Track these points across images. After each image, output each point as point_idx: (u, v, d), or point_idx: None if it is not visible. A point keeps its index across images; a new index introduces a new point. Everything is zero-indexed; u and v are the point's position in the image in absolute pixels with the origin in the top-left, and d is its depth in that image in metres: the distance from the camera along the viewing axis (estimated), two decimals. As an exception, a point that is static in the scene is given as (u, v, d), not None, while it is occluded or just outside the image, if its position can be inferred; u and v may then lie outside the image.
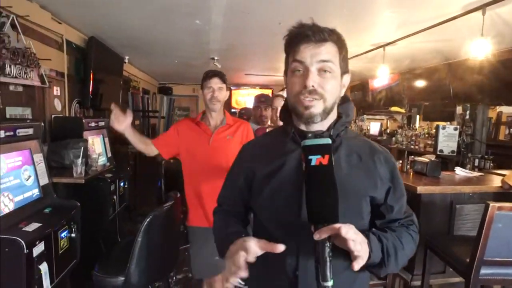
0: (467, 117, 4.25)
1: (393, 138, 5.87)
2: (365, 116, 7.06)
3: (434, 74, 4.86)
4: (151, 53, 4.67)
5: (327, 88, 0.81)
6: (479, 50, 2.60)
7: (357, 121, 7.01)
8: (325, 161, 0.67)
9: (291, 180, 0.83)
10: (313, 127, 0.86)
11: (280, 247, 0.70)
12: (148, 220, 1.60)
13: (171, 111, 4.35)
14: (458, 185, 2.59)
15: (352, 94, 7.24)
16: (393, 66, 4.84)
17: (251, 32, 3.50)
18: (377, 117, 6.98)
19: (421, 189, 2.39)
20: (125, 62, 4.72)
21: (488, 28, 2.63)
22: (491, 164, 3.87)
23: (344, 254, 0.78)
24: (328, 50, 0.81)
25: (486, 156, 3.95)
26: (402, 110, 5.92)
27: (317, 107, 0.81)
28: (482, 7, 2.47)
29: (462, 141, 4.13)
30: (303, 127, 0.87)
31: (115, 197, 2.79)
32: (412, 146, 5.26)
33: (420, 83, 5.27)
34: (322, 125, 0.86)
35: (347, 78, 0.89)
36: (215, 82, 1.86)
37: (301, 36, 0.82)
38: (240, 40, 3.89)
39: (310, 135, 0.82)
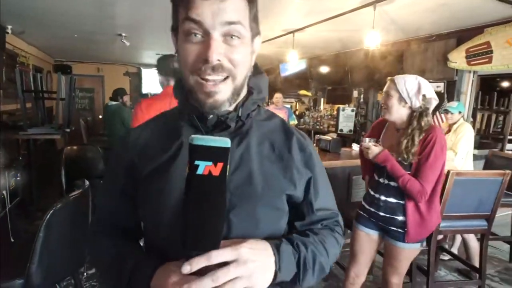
0: (362, 100, 4.89)
1: (301, 120, 6.37)
2: (277, 99, 7.46)
3: (336, 61, 5.40)
4: (43, 24, 4.03)
5: (236, 61, 0.60)
6: (370, 41, 2.98)
7: (269, 103, 7.37)
8: (216, 171, 0.49)
9: (183, 178, 0.55)
10: None
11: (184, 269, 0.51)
12: (51, 212, 1.44)
13: (73, 92, 3.87)
14: (354, 159, 3.00)
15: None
16: (302, 52, 5.19)
17: (163, 8, 3.31)
18: (287, 100, 7.45)
19: (325, 163, 2.70)
20: (8, 33, 3.98)
21: (378, 22, 3.02)
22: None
23: None
24: (236, 6, 0.59)
25: (376, 134, 4.61)
26: (309, 94, 6.43)
27: (224, 92, 0.61)
28: (373, 3, 2.82)
29: (357, 121, 4.74)
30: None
31: (4, 192, 2.42)
32: (318, 127, 5.81)
33: (325, 69, 5.80)
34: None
35: (258, 41, 0.67)
36: None
37: None
38: (150, 16, 3.65)
39: (211, 116, 0.64)
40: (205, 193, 0.50)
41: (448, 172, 2.14)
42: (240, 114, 0.67)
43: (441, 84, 3.78)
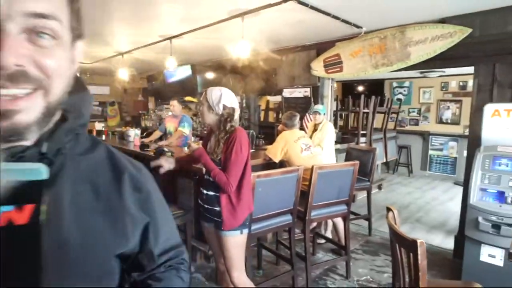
0: (244, 105, 5.17)
1: (191, 126, 6.33)
2: (164, 106, 7.22)
3: (219, 67, 5.55)
4: None
5: (49, 68, 0.43)
6: (240, 50, 3.16)
7: (156, 111, 7.08)
8: (22, 218, 0.33)
9: None
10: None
11: None
12: None
13: None
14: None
15: (149, 84, 7.20)
16: (183, 58, 5.15)
17: None
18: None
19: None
20: None
21: (248, 33, 3.22)
22: (263, 141, 4.87)
23: None
24: None
25: (259, 136, 4.92)
26: (195, 100, 6.43)
27: (30, 110, 0.42)
28: (241, 15, 3.00)
29: (241, 124, 4.99)
30: None
31: None
32: (206, 131, 5.86)
33: (211, 75, 5.91)
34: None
35: (80, 47, 0.51)
36: None
37: None
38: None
39: None
40: (3, 256, 0.32)
41: (312, 167, 2.44)
42: (45, 151, 0.46)
43: (308, 89, 4.30)
